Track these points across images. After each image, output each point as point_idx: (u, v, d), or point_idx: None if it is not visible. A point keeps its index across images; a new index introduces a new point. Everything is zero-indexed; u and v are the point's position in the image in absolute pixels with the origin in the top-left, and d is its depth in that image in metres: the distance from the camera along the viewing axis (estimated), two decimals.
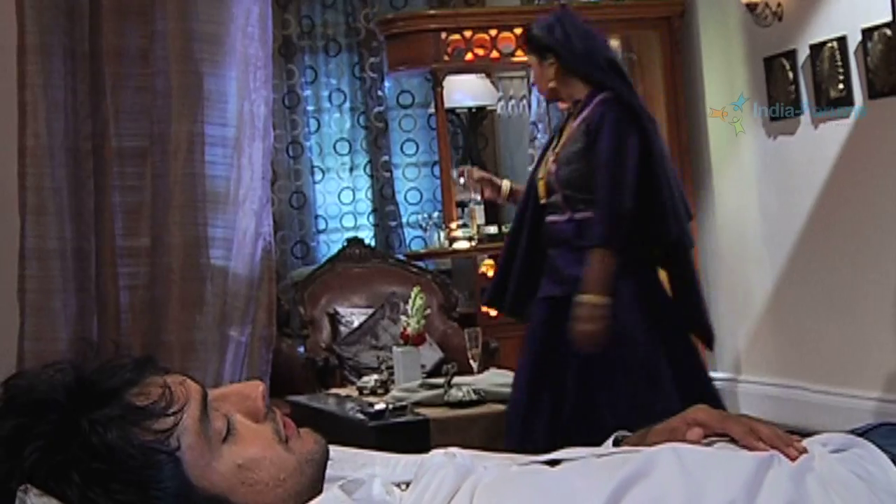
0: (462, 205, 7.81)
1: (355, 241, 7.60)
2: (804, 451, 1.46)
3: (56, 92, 2.60)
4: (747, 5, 6.72)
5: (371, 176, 8.68)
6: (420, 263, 7.63)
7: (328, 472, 1.42)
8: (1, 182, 2.73)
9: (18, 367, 2.48)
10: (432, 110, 8.19)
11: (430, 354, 6.29)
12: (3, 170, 2.68)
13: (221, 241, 2.68)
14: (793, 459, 1.44)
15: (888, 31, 5.79)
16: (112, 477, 1.26)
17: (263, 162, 2.82)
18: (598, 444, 1.59)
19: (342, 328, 6.86)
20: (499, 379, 5.20)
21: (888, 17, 5.73)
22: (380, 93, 8.64)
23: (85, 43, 2.66)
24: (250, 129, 2.77)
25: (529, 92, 8.17)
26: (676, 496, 1.34)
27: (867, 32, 5.94)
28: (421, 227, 8.34)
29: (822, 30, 6.27)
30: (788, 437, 1.49)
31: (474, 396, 4.88)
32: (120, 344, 2.22)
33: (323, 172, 8.63)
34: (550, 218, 4.48)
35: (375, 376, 5.44)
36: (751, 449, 1.47)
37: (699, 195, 7.51)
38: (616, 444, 1.60)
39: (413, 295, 5.55)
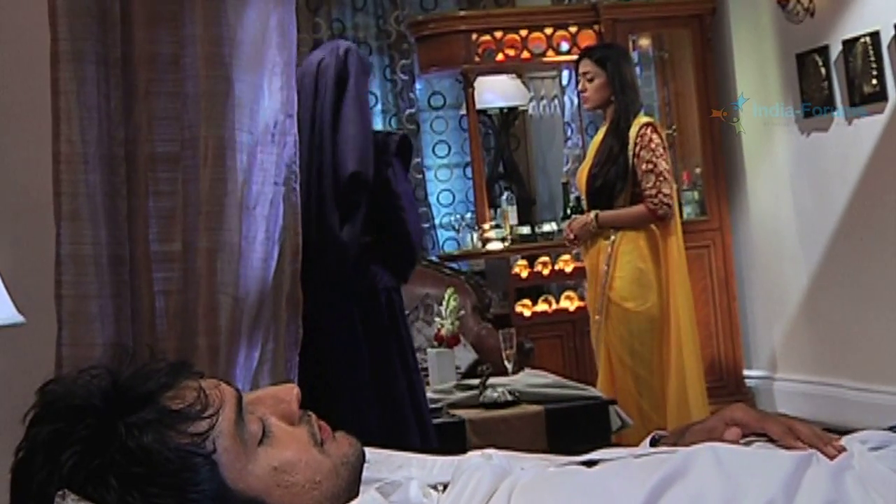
0: (495, 205, 7.81)
1: None
2: (843, 449, 1.45)
3: (89, 98, 2.61)
4: (779, 2, 6.69)
5: None
6: (453, 264, 7.63)
7: (365, 474, 1.43)
8: (36, 188, 2.74)
9: (57, 373, 2.49)
10: (464, 111, 8.19)
11: (465, 355, 6.29)
12: (38, 176, 2.69)
13: (235, 246, 2.68)
14: (831, 458, 1.43)
15: None
16: (149, 480, 1.26)
17: (278, 168, 2.81)
18: None
19: None
20: (534, 379, 5.20)
21: None
22: (411, 95, 8.65)
23: (117, 49, 2.66)
24: (265, 134, 2.77)
25: (562, 92, 8.16)
26: (715, 496, 1.33)
27: None
28: (454, 228, 8.35)
29: (855, 25, 6.23)
30: (827, 436, 1.48)
31: (509, 397, 4.87)
32: (155, 349, 2.23)
33: None
34: None
35: None
36: (789, 448, 1.46)
37: (732, 193, 7.49)
38: (653, 443, 1.60)
39: (447, 296, 5.55)
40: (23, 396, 1.36)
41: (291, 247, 2.87)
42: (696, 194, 7.51)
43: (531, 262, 7.60)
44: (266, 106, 2.76)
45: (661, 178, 5.57)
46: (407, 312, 6.80)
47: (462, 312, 5.67)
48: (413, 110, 8.64)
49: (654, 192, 5.55)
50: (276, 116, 2.80)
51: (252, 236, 2.73)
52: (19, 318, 2.31)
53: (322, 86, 4.06)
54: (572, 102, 7.94)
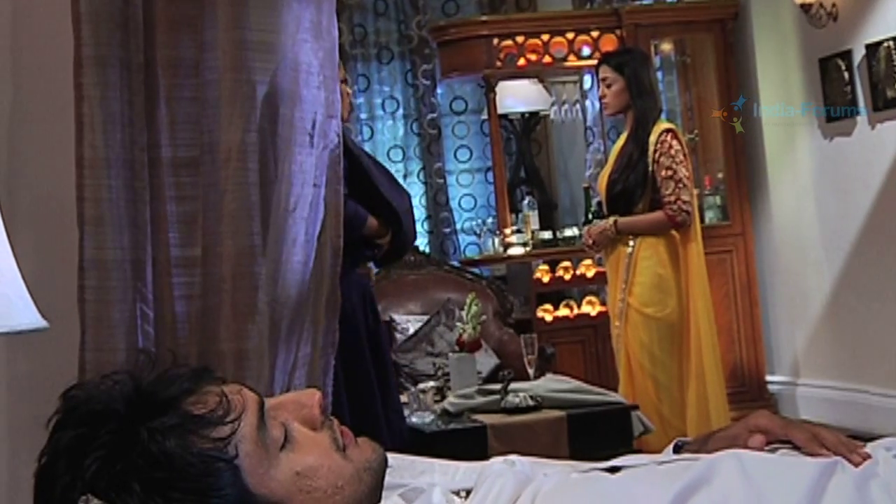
0: (516, 210, 7.81)
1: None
2: (868, 457, 1.44)
3: (112, 103, 2.61)
4: (801, 6, 6.67)
5: (425, 182, 8.69)
6: (475, 270, 7.63)
7: (387, 479, 1.42)
8: (59, 193, 2.75)
9: (80, 377, 2.49)
10: (485, 116, 8.19)
11: (486, 361, 6.28)
12: (61, 181, 2.70)
13: (272, 249, 2.68)
14: (856, 465, 1.42)
15: None
16: (172, 485, 1.26)
17: (317, 169, 2.81)
18: None
19: (398, 335, 6.87)
20: (556, 385, 5.19)
21: None
22: (433, 99, 8.65)
23: (140, 54, 2.67)
24: (301, 135, 2.76)
25: (583, 97, 8.15)
26: (739, 503, 1.33)
27: None
28: (475, 233, 8.34)
29: (878, 29, 6.21)
30: (852, 443, 1.47)
31: (531, 402, 4.87)
32: (177, 354, 2.23)
33: None
34: None
35: (432, 383, 5.44)
36: (814, 455, 1.45)
37: (755, 198, 7.47)
38: (676, 450, 1.59)
39: (468, 301, 5.55)
40: (46, 401, 1.36)
41: (332, 249, 2.86)
42: (718, 199, 7.50)
43: (553, 266, 7.60)
44: (302, 107, 2.75)
45: (681, 185, 5.56)
46: (428, 317, 6.83)
47: (484, 317, 5.66)
48: (435, 115, 8.64)
49: (673, 198, 5.54)
50: (315, 117, 2.79)
51: (292, 239, 2.73)
52: (43, 323, 2.31)
53: None
54: (594, 107, 7.92)
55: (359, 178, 4.29)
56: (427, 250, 8.07)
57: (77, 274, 2.60)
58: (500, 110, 7.87)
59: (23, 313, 2.26)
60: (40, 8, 2.93)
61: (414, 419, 4.90)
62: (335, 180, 2.88)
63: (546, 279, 7.56)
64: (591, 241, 5.82)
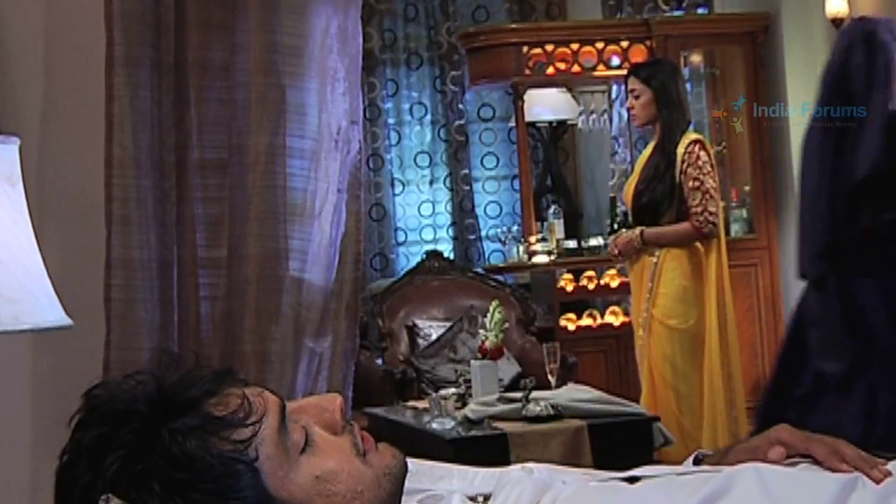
0: (541, 219, 7.81)
1: (434, 254, 7.61)
2: (889, 474, 1.44)
3: (142, 103, 2.63)
4: (832, 20, 6.64)
5: (451, 189, 8.69)
6: (499, 277, 7.63)
7: (406, 485, 1.42)
8: (88, 192, 2.77)
9: (105, 376, 2.51)
10: (513, 124, 8.18)
11: (508, 368, 6.28)
12: (90, 180, 2.72)
13: (298, 252, 2.69)
14: (877, 482, 1.42)
15: None
16: (191, 486, 1.26)
17: (341, 174, 2.82)
18: None
19: (420, 341, 6.87)
20: (577, 394, 5.18)
21: None
22: (460, 106, 8.66)
23: (170, 55, 2.69)
24: (328, 140, 2.78)
25: (610, 106, 8.14)
26: None
27: None
28: (500, 240, 8.34)
29: None
30: (872, 459, 1.46)
31: (552, 411, 4.86)
32: (200, 354, 2.25)
33: (403, 185, 8.65)
34: None
35: (453, 389, 5.44)
36: (834, 470, 1.45)
37: (781, 211, 7.44)
38: (696, 462, 1.59)
39: (491, 308, 5.55)
40: (69, 399, 1.37)
41: (353, 255, 2.87)
42: (744, 212, 7.47)
43: (577, 276, 7.59)
44: (329, 112, 2.77)
45: (708, 196, 5.55)
46: (451, 324, 6.83)
47: (506, 325, 5.66)
48: (462, 122, 8.65)
49: (700, 209, 5.53)
50: (340, 122, 2.80)
51: (317, 243, 2.74)
52: (67, 321, 2.32)
53: None
54: (621, 117, 7.91)
55: None
56: (451, 256, 8.07)
57: (104, 272, 2.62)
58: (527, 118, 7.87)
59: (48, 311, 2.27)
60: (73, 7, 2.95)
61: (434, 425, 4.90)
62: (356, 185, 2.89)
63: (570, 288, 7.55)
64: (616, 251, 5.82)
